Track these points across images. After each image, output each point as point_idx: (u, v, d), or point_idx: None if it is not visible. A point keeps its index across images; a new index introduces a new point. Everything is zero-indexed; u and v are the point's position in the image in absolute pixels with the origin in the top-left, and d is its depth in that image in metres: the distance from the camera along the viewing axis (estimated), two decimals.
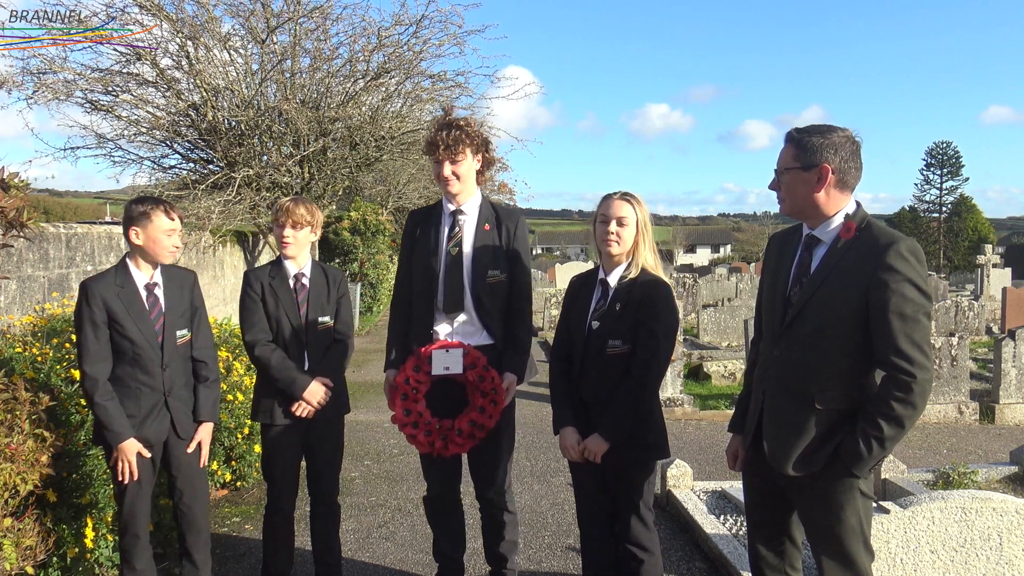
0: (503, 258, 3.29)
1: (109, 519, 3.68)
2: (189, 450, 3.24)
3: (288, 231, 3.38)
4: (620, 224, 2.97)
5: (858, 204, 2.43)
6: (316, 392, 3.37)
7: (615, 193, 3.03)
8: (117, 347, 3.07)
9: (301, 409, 3.36)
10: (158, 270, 3.19)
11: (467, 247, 3.27)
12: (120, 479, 3.09)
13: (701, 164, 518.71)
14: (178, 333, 3.19)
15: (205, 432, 3.28)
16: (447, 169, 3.20)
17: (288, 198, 3.45)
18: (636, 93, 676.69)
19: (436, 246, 3.30)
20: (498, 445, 3.32)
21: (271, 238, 12.13)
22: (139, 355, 3.08)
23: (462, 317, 3.27)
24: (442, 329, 3.29)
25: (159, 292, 3.17)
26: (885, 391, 2.27)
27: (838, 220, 2.40)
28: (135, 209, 3.08)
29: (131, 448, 3.04)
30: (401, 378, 3.22)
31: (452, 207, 3.30)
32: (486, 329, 3.29)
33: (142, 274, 3.14)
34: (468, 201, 3.31)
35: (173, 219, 3.13)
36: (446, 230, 3.30)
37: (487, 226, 3.30)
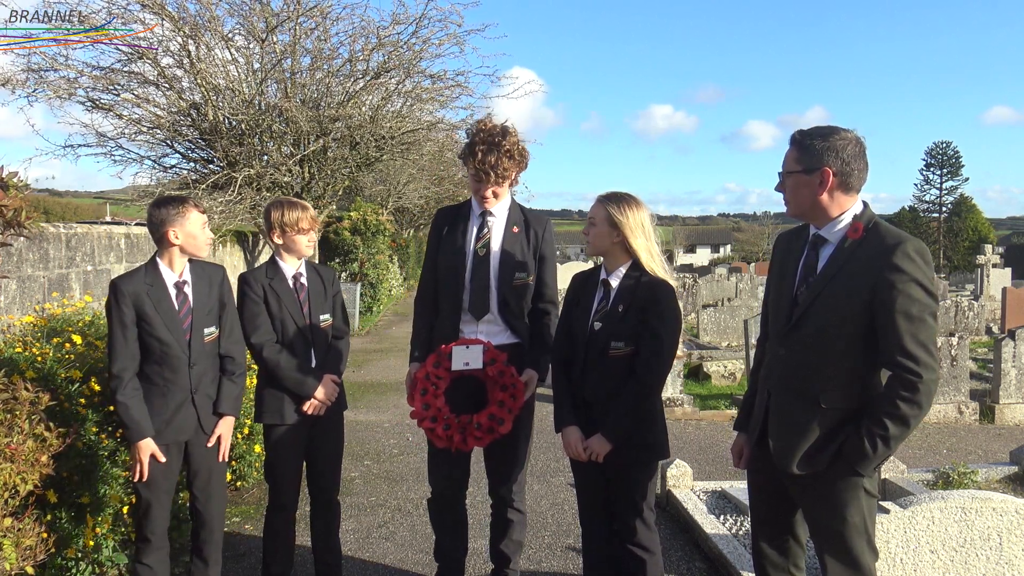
0: (530, 261, 3.30)
1: (110, 519, 3.68)
2: (209, 444, 3.24)
3: (313, 235, 3.44)
4: (591, 224, 3.02)
5: (865, 204, 2.43)
6: (328, 390, 3.39)
7: (602, 195, 3.04)
8: (146, 346, 3.08)
9: (311, 407, 3.37)
10: (187, 268, 3.20)
11: (494, 249, 3.27)
12: (136, 478, 3.09)
13: (703, 164, 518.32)
14: (206, 331, 3.20)
15: (225, 426, 3.28)
16: (489, 191, 3.20)
17: (288, 207, 3.38)
18: (640, 94, 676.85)
19: (463, 246, 3.30)
20: (516, 442, 3.33)
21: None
22: (167, 353, 3.09)
23: (488, 318, 3.29)
24: (467, 329, 3.30)
25: (188, 290, 3.18)
26: (891, 390, 2.28)
27: (845, 220, 2.40)
28: (168, 211, 3.09)
29: (146, 447, 3.05)
30: (421, 373, 3.24)
31: (481, 208, 3.31)
32: (511, 329, 3.31)
33: (172, 273, 3.15)
34: (498, 203, 3.31)
35: (203, 212, 3.20)
36: (474, 230, 3.30)
37: (515, 228, 3.31)
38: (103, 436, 3.65)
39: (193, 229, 3.13)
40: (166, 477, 3.15)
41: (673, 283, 3.01)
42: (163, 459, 3.09)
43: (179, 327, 3.12)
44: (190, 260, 3.22)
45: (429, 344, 3.33)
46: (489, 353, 3.20)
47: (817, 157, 2.36)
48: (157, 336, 3.07)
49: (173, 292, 3.14)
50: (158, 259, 3.17)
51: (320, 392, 3.37)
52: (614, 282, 3.00)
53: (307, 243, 3.43)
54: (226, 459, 3.34)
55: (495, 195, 3.23)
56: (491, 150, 3.12)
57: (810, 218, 2.48)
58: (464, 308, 3.28)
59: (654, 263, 2.97)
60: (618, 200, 2.98)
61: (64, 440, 3.09)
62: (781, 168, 2.49)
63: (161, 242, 3.13)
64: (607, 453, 2.93)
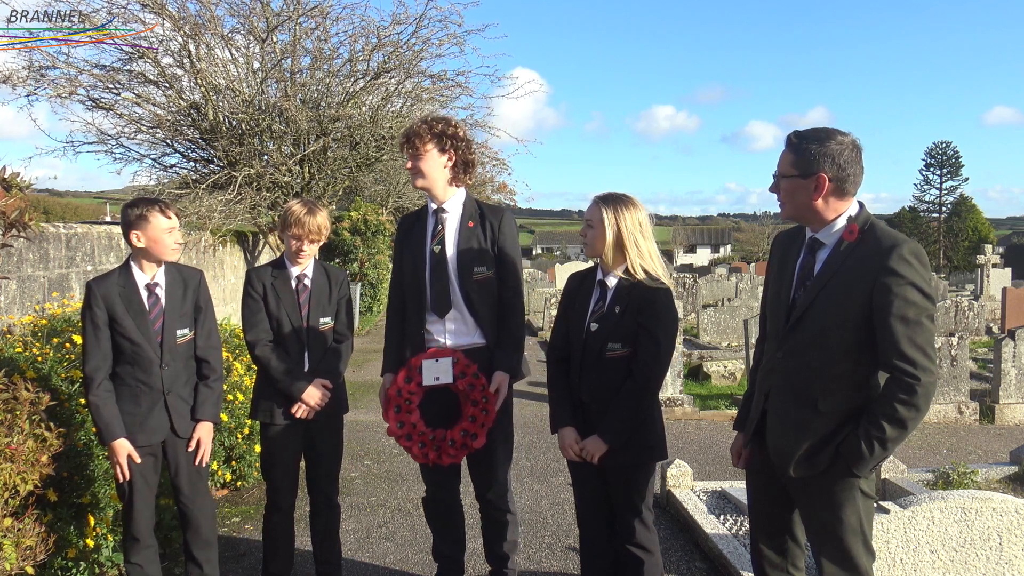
0: (489, 254, 3.27)
1: (110, 519, 3.69)
2: (189, 449, 3.25)
3: (306, 246, 3.39)
4: (588, 226, 3.00)
5: (861, 205, 2.42)
6: (314, 394, 3.37)
7: (597, 196, 3.03)
8: (118, 346, 3.09)
9: (299, 410, 3.36)
10: (161, 270, 3.21)
11: (450, 245, 3.27)
12: (117, 479, 3.10)
13: (705, 164, 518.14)
14: (178, 332, 3.20)
15: (203, 431, 3.28)
16: (409, 163, 3.24)
17: (302, 207, 3.37)
18: (642, 94, 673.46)
19: (421, 247, 3.31)
20: (496, 446, 3.32)
21: (271, 238, 12.13)
22: (138, 354, 3.10)
23: (453, 315, 3.27)
24: (435, 330, 3.29)
25: (160, 292, 3.19)
26: (889, 392, 2.28)
27: (840, 223, 2.40)
28: (132, 213, 3.09)
29: (121, 448, 3.05)
30: (393, 390, 3.22)
31: (434, 206, 3.32)
32: (479, 329, 3.28)
33: (144, 275, 3.16)
34: (450, 199, 3.31)
35: (170, 217, 3.14)
36: (430, 230, 3.32)
37: (471, 223, 3.30)
38: None
39: (155, 234, 3.10)
40: (144, 477, 3.15)
41: (670, 284, 3.00)
42: (139, 460, 3.10)
43: (150, 328, 3.12)
44: (165, 263, 3.22)
45: (400, 354, 3.33)
46: (459, 366, 3.18)
47: (813, 162, 2.35)
48: (128, 337, 3.08)
49: (144, 293, 3.14)
50: (131, 261, 3.18)
51: (307, 396, 3.35)
52: (611, 283, 2.99)
53: (293, 248, 3.39)
54: (207, 463, 3.33)
55: (420, 172, 3.23)
56: (412, 126, 3.26)
57: (805, 221, 2.48)
58: (428, 308, 3.28)
59: (652, 264, 2.96)
60: (615, 201, 2.96)
61: (64, 440, 3.10)
62: (776, 170, 2.49)
63: (128, 244, 3.15)
64: (605, 454, 2.93)
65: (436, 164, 3.24)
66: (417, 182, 3.26)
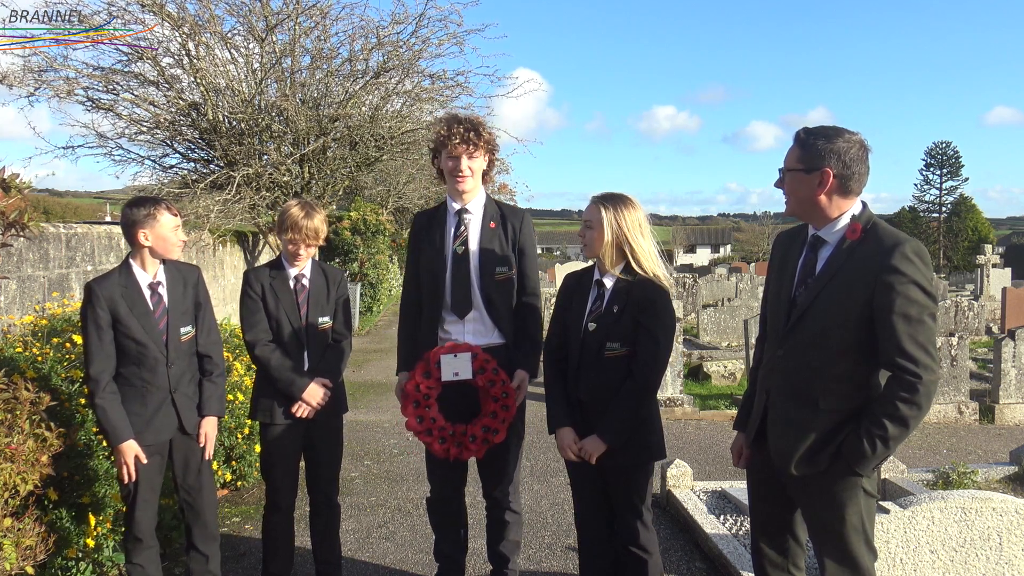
0: (510, 255, 3.30)
1: (111, 518, 3.68)
2: (201, 444, 3.26)
3: (303, 249, 3.38)
4: (587, 226, 3.00)
5: (864, 205, 2.42)
6: (315, 393, 3.37)
7: (596, 196, 3.03)
8: (122, 347, 3.08)
9: (300, 410, 3.36)
10: (161, 268, 3.21)
11: (473, 246, 3.27)
12: (123, 481, 3.10)
13: (705, 164, 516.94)
14: (182, 330, 3.21)
15: (210, 426, 3.29)
16: (464, 163, 3.20)
17: (299, 210, 3.34)
18: (643, 95, 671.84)
19: (442, 246, 3.30)
20: (507, 443, 3.32)
21: (271, 238, 12.12)
22: (144, 354, 3.10)
23: (473, 316, 3.27)
24: (454, 330, 3.29)
25: (162, 291, 3.19)
26: (890, 391, 2.28)
27: (843, 221, 2.40)
28: (138, 212, 3.09)
29: (129, 450, 3.05)
30: (411, 385, 3.21)
31: (457, 206, 3.31)
32: (497, 328, 3.29)
33: (146, 274, 3.16)
34: (473, 200, 3.32)
35: (176, 215, 3.18)
36: (451, 230, 3.31)
37: (492, 224, 3.31)
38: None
39: (163, 232, 3.11)
40: (150, 478, 3.15)
41: (669, 283, 3.00)
42: (145, 460, 3.10)
43: (155, 328, 3.12)
44: (164, 261, 3.22)
45: (414, 352, 3.32)
46: (478, 361, 3.17)
47: (819, 157, 2.36)
48: (133, 337, 3.08)
49: (147, 293, 3.14)
50: (131, 260, 3.17)
51: (308, 395, 3.36)
52: (608, 283, 2.99)
53: (290, 250, 3.38)
54: (211, 456, 3.34)
55: (471, 171, 3.23)
56: (464, 121, 3.21)
57: (807, 218, 2.48)
58: (447, 308, 3.28)
59: (651, 262, 2.96)
60: (613, 201, 2.96)
61: (64, 440, 3.10)
62: (783, 164, 2.49)
63: (132, 243, 3.14)
64: (603, 455, 2.93)
65: (481, 165, 3.30)
66: (467, 183, 3.24)
